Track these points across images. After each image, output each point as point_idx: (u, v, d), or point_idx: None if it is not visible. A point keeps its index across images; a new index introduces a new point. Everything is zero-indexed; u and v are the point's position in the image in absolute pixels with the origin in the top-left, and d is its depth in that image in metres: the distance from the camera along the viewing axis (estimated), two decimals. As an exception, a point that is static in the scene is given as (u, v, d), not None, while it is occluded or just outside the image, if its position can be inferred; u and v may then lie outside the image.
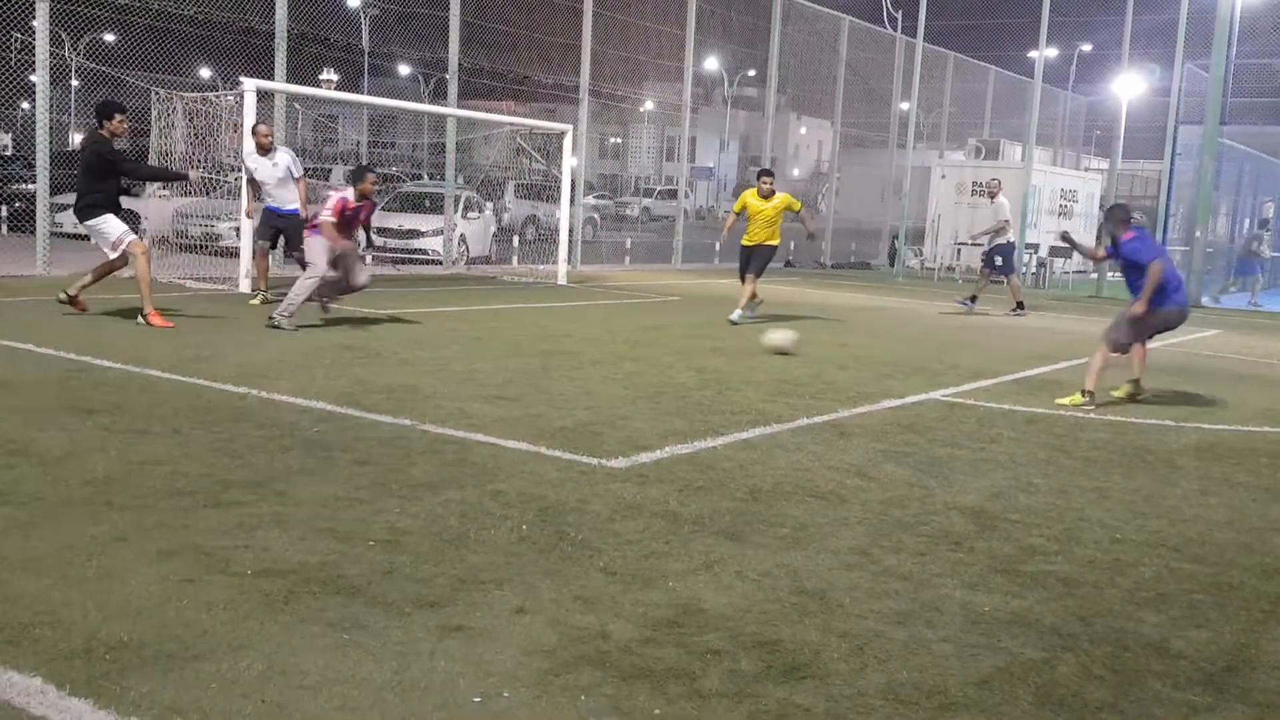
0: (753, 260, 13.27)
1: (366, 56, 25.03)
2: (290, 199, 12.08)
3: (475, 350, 9.60)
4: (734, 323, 12.74)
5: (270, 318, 10.23)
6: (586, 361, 9.25)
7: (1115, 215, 8.96)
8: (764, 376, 8.92)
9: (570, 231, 18.17)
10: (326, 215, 10.55)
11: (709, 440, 6.43)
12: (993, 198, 16.63)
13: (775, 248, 13.38)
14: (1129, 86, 32.92)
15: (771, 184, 13.00)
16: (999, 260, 16.37)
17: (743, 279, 13.25)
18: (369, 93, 22.75)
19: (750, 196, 13.23)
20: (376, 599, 3.73)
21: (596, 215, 29.55)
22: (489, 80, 18.92)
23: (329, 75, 25.11)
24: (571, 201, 18.09)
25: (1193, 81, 22.42)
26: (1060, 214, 28.35)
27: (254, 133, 12.04)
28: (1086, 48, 36.09)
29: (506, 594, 3.84)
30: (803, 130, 52.31)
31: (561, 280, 17.13)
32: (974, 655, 3.55)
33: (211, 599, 3.64)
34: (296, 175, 12.11)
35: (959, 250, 25.20)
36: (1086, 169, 35.53)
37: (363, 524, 4.52)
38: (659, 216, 34.10)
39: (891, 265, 26.04)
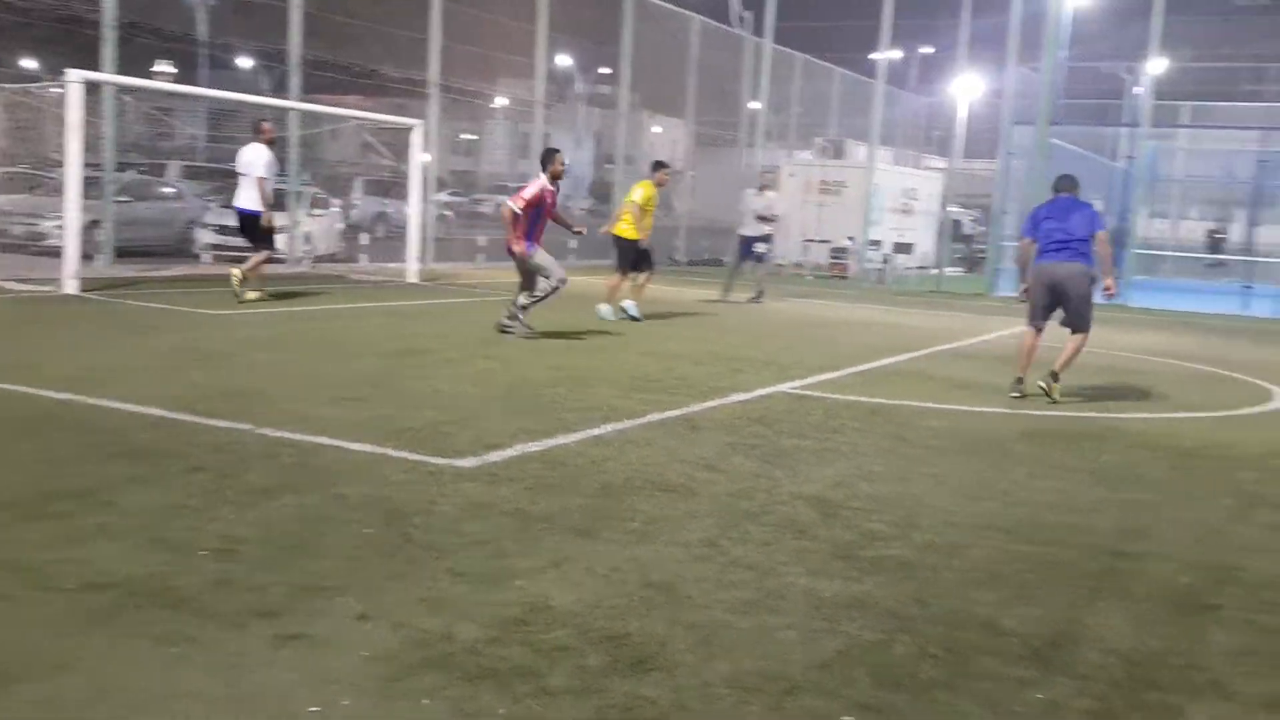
0: (649, 255, 13.37)
1: (204, 47, 24.18)
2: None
3: (320, 351, 9.37)
4: (636, 319, 12.90)
5: (504, 325, 10.64)
6: (437, 360, 9.13)
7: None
8: (618, 372, 8.95)
9: (421, 229, 17.89)
10: (516, 203, 10.46)
11: (561, 437, 6.41)
12: (763, 190, 17.16)
13: None
14: (966, 88, 34.20)
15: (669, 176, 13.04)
16: (761, 249, 16.92)
17: (625, 274, 13.36)
18: (207, 85, 21.96)
19: (651, 189, 13.33)
20: (209, 610, 3.59)
21: (450, 212, 29.17)
22: (334, 74, 18.49)
23: (164, 67, 24.17)
24: (423, 198, 17.81)
25: (1025, 83, 23.38)
26: (903, 211, 29.25)
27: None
28: (927, 50, 37.32)
29: (348, 600, 3.74)
30: (656, 129, 52.73)
31: (412, 278, 16.86)
32: (816, 640, 3.62)
33: (32, 617, 3.46)
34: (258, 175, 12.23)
35: (807, 247, 25.76)
36: (928, 168, 36.72)
37: (195, 533, 4.35)
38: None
39: (739, 263, 26.38)
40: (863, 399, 8.48)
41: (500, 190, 41.25)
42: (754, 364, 9.96)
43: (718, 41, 27.69)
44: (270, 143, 12.63)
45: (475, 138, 43.93)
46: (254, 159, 12.31)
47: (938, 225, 29.09)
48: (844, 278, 24.62)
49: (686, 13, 26.78)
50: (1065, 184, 9.28)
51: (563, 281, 10.75)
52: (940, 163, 36.88)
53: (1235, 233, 34.35)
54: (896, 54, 33.77)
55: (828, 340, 12.56)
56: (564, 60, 35.43)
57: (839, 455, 6.45)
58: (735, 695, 3.19)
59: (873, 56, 25.58)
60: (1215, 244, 33.60)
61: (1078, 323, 8.99)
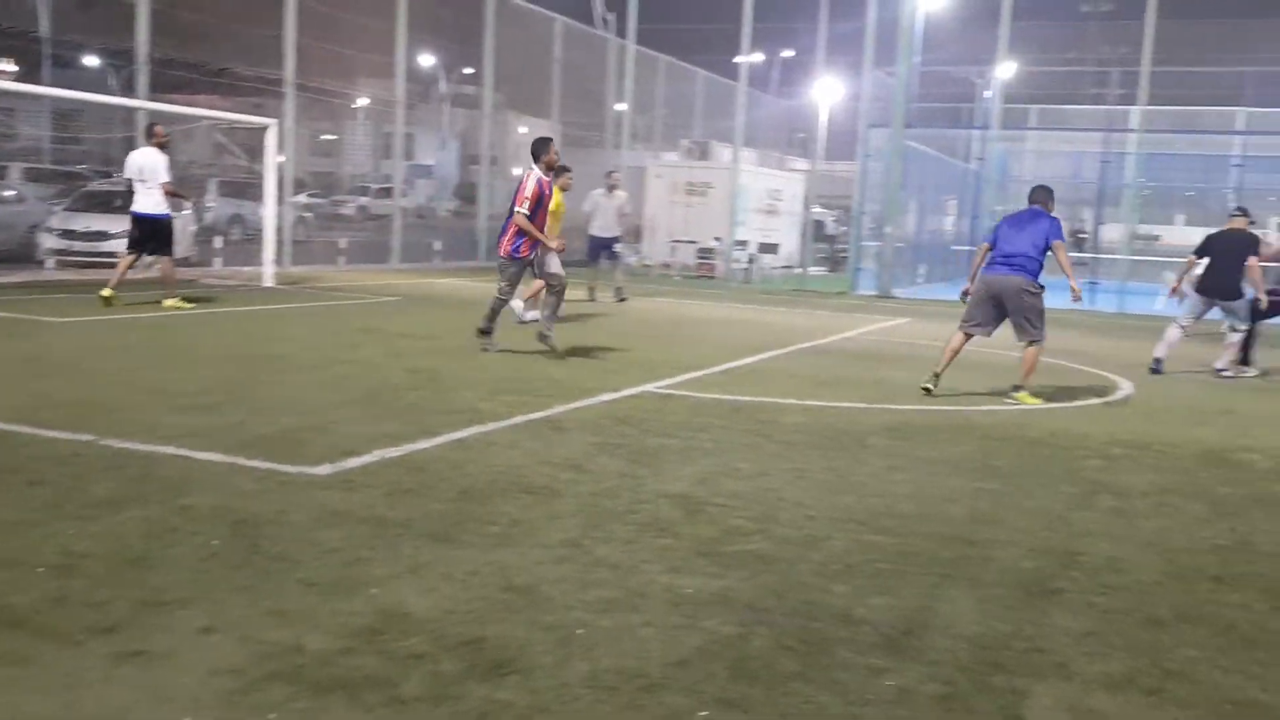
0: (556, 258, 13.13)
1: (47, 45, 23.10)
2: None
3: (170, 358, 9.03)
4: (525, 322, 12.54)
5: (541, 336, 10.16)
6: (293, 366, 8.89)
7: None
8: (482, 375, 8.85)
9: (278, 231, 17.43)
10: (521, 207, 9.89)
11: (421, 442, 6.30)
12: (613, 190, 17.38)
13: None
14: (826, 91, 34.97)
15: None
16: (618, 248, 17.19)
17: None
18: (51, 84, 20.98)
19: (558, 193, 12.91)
20: (45, 628, 3.42)
21: (309, 214, 28.51)
22: (185, 72, 17.86)
23: (3, 65, 23.03)
24: (279, 200, 17.36)
25: (881, 87, 23.98)
26: (768, 212, 29.71)
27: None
28: (788, 54, 38.02)
29: (192, 614, 3.60)
30: (523, 129, 52.50)
31: (269, 282, 16.41)
32: (675, 636, 3.63)
33: None
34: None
35: (675, 248, 25.96)
36: (791, 169, 37.40)
37: (32, 549, 4.13)
38: (377, 215, 33.30)
39: (600, 258, 26.42)
40: (727, 397, 8.56)
41: (363, 192, 40.69)
42: (621, 364, 9.97)
43: (581, 42, 27.72)
44: (163, 146, 12.46)
45: (335, 138, 43.04)
46: (154, 164, 12.19)
47: (801, 226, 29.67)
48: (711, 278, 24.88)
49: (549, 13, 26.72)
50: (1037, 195, 9.45)
51: (505, 301, 10.49)
52: (803, 164, 37.59)
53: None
54: (758, 57, 34.33)
55: (694, 339, 12.66)
56: (426, 60, 34.97)
57: (703, 453, 6.49)
58: (593, 695, 3.18)
59: (735, 60, 25.91)
60: (1078, 243, 35.01)
61: (1019, 334, 9.18)
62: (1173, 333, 11.74)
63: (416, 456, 5.97)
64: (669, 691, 3.23)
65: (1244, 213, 11.84)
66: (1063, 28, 34.39)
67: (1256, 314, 11.70)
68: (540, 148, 10.30)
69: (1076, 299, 9.42)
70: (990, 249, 9.25)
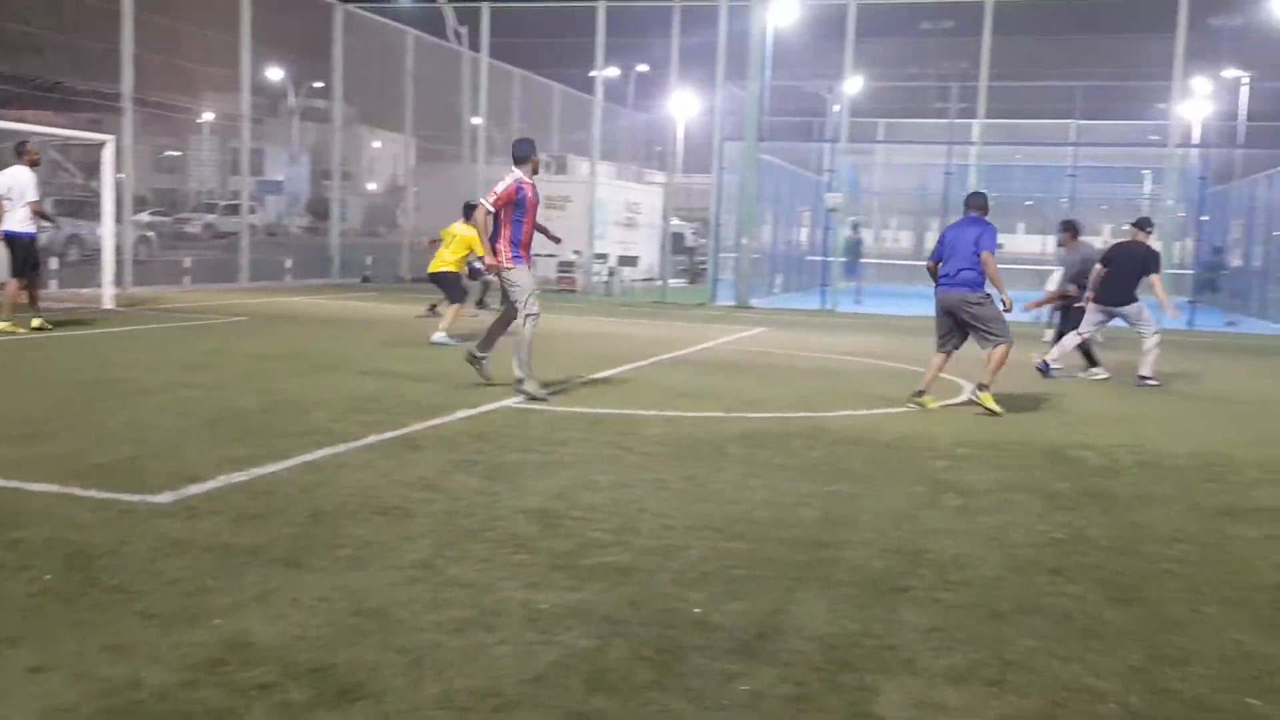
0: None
1: None
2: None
3: (1, 385, 8.58)
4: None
5: (520, 390, 8.83)
6: (134, 391, 8.54)
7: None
8: (335, 395, 8.66)
9: (118, 251, 16.75)
10: (488, 199, 8.91)
11: (269, 465, 6.12)
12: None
13: None
14: (682, 105, 35.36)
15: None
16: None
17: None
18: None
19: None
20: None
21: (152, 233, 27.50)
22: (13, 86, 17.03)
23: None
24: (118, 219, 16.68)
25: (734, 101, 24.38)
26: (627, 225, 29.88)
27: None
28: (643, 68, 38.35)
29: (21, 652, 3.42)
30: (376, 144, 51.69)
31: (109, 304, 15.74)
32: (530, 653, 3.60)
33: None
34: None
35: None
36: (649, 182, 37.71)
37: None
38: (225, 233, 32.33)
39: (473, 279, 26.24)
40: (587, 410, 8.56)
41: (209, 209, 39.46)
42: (479, 379, 9.86)
43: (434, 56, 27.43)
44: (34, 164, 12.33)
45: (179, 153, 41.66)
46: (24, 181, 12.09)
47: (660, 238, 29.91)
48: (572, 291, 24.88)
49: (399, 26, 26.37)
50: (973, 201, 9.56)
51: (535, 316, 9.25)
52: (661, 177, 37.95)
53: (929, 240, 37.13)
54: (614, 72, 34.55)
55: (553, 353, 12.60)
56: (274, 73, 34.14)
57: (562, 466, 6.47)
58: (446, 715, 3.13)
59: (591, 74, 26.01)
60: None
61: (981, 344, 9.26)
62: (1069, 340, 11.98)
63: (264, 480, 5.79)
64: (523, 709, 3.20)
65: (1142, 225, 12.03)
66: (906, 44, 35.53)
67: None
68: (526, 149, 9.28)
69: (1007, 310, 9.24)
70: (937, 263, 9.41)
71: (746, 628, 3.92)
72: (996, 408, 9.08)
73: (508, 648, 3.64)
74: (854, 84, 27.95)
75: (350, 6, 24.94)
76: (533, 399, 8.78)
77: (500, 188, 9.06)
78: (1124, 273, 11.54)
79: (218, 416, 7.57)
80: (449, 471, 6.19)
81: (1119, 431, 8.57)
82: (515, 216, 9.07)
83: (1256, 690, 3.59)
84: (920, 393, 9.37)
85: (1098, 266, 11.83)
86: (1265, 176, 25.41)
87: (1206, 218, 28.72)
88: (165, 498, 5.33)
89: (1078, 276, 12.24)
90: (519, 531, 5.05)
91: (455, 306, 13.60)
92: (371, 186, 52.19)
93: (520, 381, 8.93)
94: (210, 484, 5.63)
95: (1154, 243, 12.66)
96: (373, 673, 3.39)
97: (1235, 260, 28.84)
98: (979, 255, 9.09)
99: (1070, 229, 12.92)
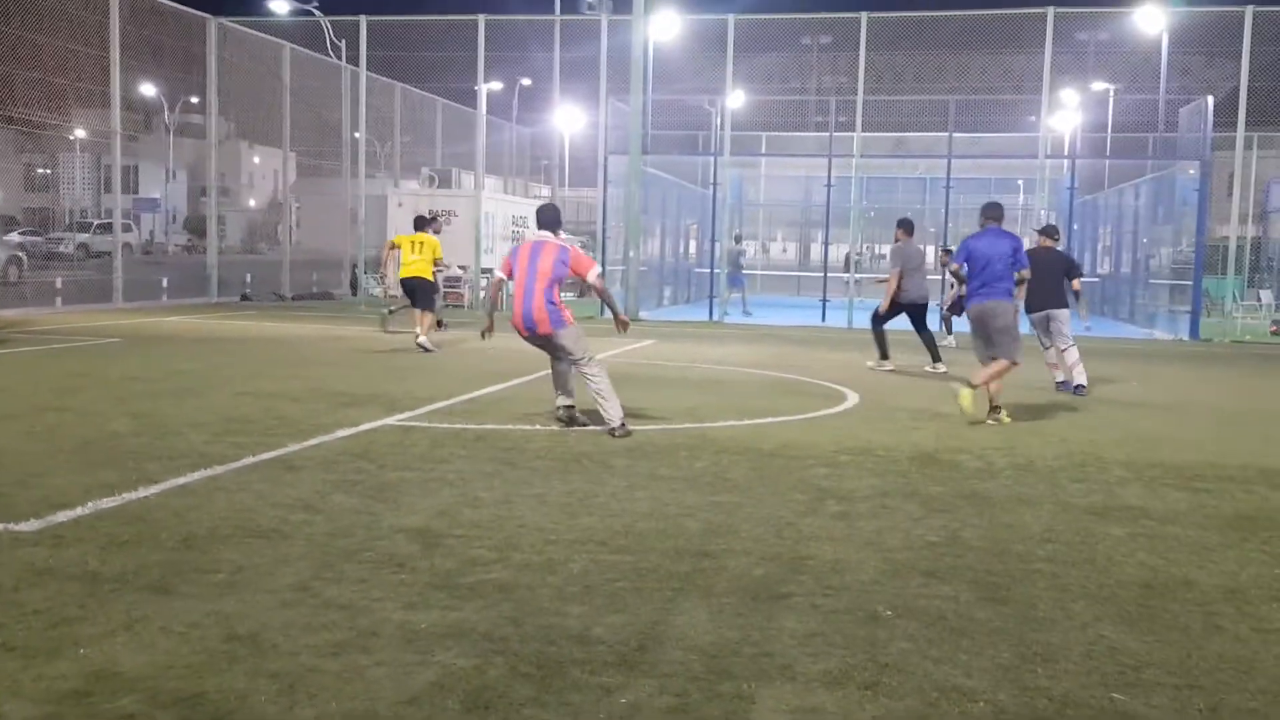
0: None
1: None
2: None
3: None
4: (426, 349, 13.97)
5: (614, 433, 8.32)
6: (-3, 416, 8.20)
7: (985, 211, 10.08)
8: (210, 417, 8.43)
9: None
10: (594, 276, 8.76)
11: (141, 490, 5.93)
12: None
13: None
14: (567, 119, 35.45)
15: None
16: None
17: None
18: None
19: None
20: None
21: (23, 254, 26.47)
22: None
23: None
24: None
25: (618, 115, 24.48)
26: (514, 239, 29.76)
27: None
28: (526, 82, 38.31)
29: None
30: (256, 159, 50.61)
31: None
32: (407, 674, 3.55)
33: None
34: None
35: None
36: (536, 196, 37.68)
37: None
38: (100, 252, 31.27)
39: (354, 294, 25.90)
40: (471, 426, 8.50)
41: (83, 228, 38.18)
42: (359, 398, 9.72)
43: (313, 70, 26.98)
44: None
45: (49, 172, 40.23)
46: None
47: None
48: (459, 306, 24.67)
49: (275, 39, 25.89)
50: (992, 212, 10.00)
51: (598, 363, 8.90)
52: (547, 191, 37.92)
53: (814, 251, 37.82)
54: (497, 85, 34.43)
55: (439, 369, 12.51)
56: (148, 89, 33.19)
57: (444, 484, 6.41)
58: (319, 743, 3.06)
59: (474, 87, 25.88)
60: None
61: (999, 351, 9.57)
62: (1051, 355, 12.21)
63: (135, 506, 5.62)
64: (399, 731, 3.15)
65: (1050, 232, 12.51)
66: (786, 59, 36.22)
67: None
68: (555, 218, 9.08)
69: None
70: (965, 272, 9.86)
71: (627, 640, 3.93)
72: (970, 408, 9.25)
73: (385, 669, 3.58)
74: (736, 98, 28.36)
75: (224, 20, 24.41)
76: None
77: (582, 254, 9.14)
78: (1048, 279, 11.77)
79: (88, 441, 7.31)
80: (327, 492, 6.08)
81: (994, 435, 8.83)
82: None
83: (1121, 685, 3.72)
84: (996, 409, 9.52)
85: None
86: (1131, 185, 26.48)
87: (1076, 226, 29.83)
88: (30, 525, 5.13)
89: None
90: (398, 551, 4.98)
91: (429, 313, 14.75)
92: (251, 203, 51.08)
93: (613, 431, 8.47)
94: (79, 510, 5.44)
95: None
96: (243, 700, 3.31)
97: (1104, 268, 30.02)
98: (1015, 270, 9.72)
99: (904, 226, 13.71)
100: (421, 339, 14.26)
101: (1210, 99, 21.77)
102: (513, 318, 8.85)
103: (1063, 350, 11.99)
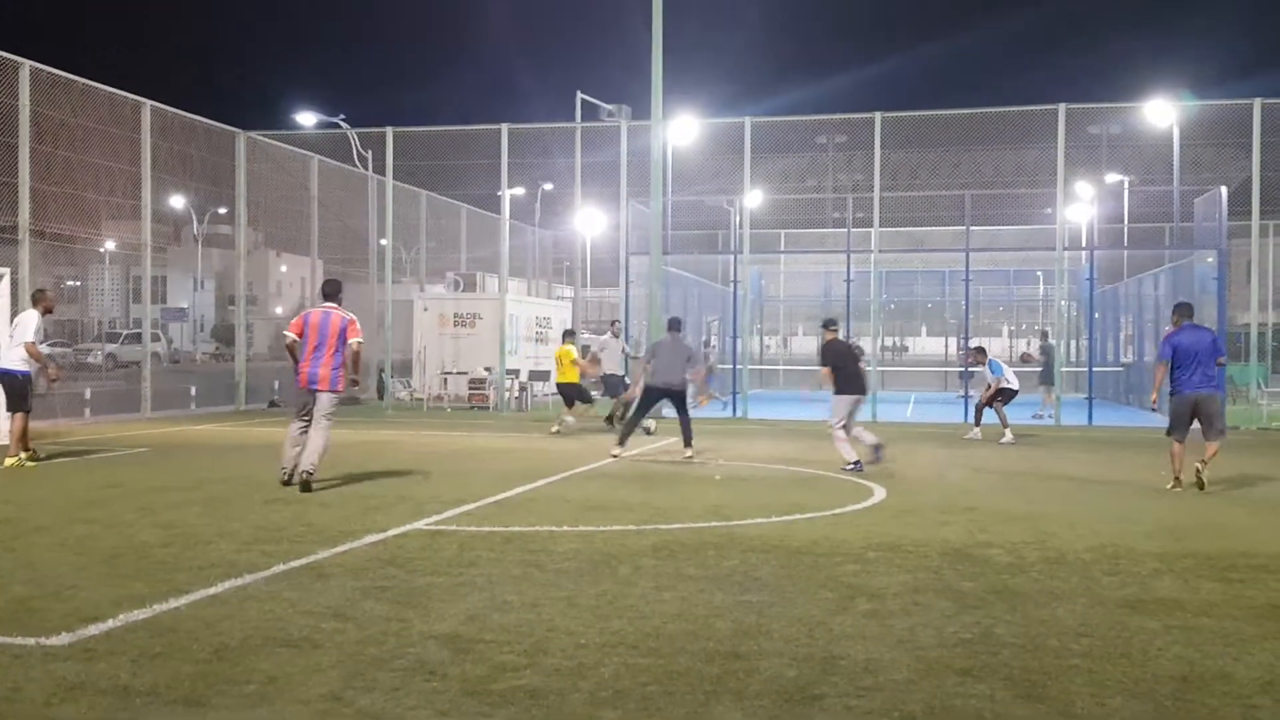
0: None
1: None
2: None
3: (-113, 529, 8.24)
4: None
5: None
6: (27, 529, 8.27)
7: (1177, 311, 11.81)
8: (239, 525, 8.48)
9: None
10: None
11: (171, 601, 5.96)
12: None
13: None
14: (588, 221, 35.95)
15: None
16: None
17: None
18: None
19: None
20: None
21: (53, 364, 26.81)
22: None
23: None
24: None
25: (639, 216, 24.88)
26: (538, 340, 30.02)
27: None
28: (548, 186, 39.01)
29: (-101, 816, 3.25)
30: (283, 268, 51.45)
31: (2, 439, 15.25)
32: (441, 785, 3.53)
33: None
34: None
35: (445, 380, 25.83)
36: (559, 297, 38.09)
37: None
38: (127, 362, 31.69)
39: (380, 398, 26.08)
40: (499, 529, 8.51)
41: (111, 339, 38.77)
42: (387, 502, 9.76)
43: (339, 179, 27.60)
44: (48, 311, 13.28)
45: (79, 283, 40.99)
46: (26, 322, 12.90)
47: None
48: (484, 408, 24.81)
49: (303, 152, 26.54)
50: (1186, 311, 11.70)
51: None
52: (569, 292, 38.32)
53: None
54: (519, 190, 35.05)
55: (465, 472, 12.55)
56: (178, 201, 33.96)
57: (473, 588, 6.40)
58: None
59: (498, 193, 26.38)
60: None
61: (1213, 434, 11.28)
62: (840, 434, 13.29)
63: (166, 617, 5.64)
64: (433, 843, 3.12)
65: (829, 325, 14.12)
66: (802, 158, 36.78)
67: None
68: (333, 289, 11.32)
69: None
70: (1172, 366, 11.24)
71: (660, 746, 3.90)
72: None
73: (417, 780, 3.57)
74: (754, 197, 28.74)
75: (253, 134, 25.07)
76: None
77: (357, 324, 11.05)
78: (854, 365, 13.52)
79: (117, 552, 7.36)
80: (357, 599, 6.09)
81: (1023, 528, 8.76)
82: None
83: (1160, 781, 3.66)
84: (1178, 479, 11.16)
85: (825, 368, 13.41)
86: (1150, 275, 26.55)
87: (1097, 315, 29.87)
88: (61, 639, 5.16)
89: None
90: (429, 658, 4.97)
91: (586, 405, 18.23)
92: (279, 310, 51.84)
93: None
94: (109, 623, 5.47)
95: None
96: (277, 814, 3.30)
97: (1128, 356, 29.94)
98: (1215, 359, 11.20)
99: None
100: (568, 419, 17.79)
101: (1224, 189, 21.97)
102: (300, 378, 10.76)
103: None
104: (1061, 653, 5.19)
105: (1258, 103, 21.74)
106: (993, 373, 17.85)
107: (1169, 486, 11.21)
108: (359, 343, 10.77)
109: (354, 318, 10.89)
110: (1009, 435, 17.04)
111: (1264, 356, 30.12)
